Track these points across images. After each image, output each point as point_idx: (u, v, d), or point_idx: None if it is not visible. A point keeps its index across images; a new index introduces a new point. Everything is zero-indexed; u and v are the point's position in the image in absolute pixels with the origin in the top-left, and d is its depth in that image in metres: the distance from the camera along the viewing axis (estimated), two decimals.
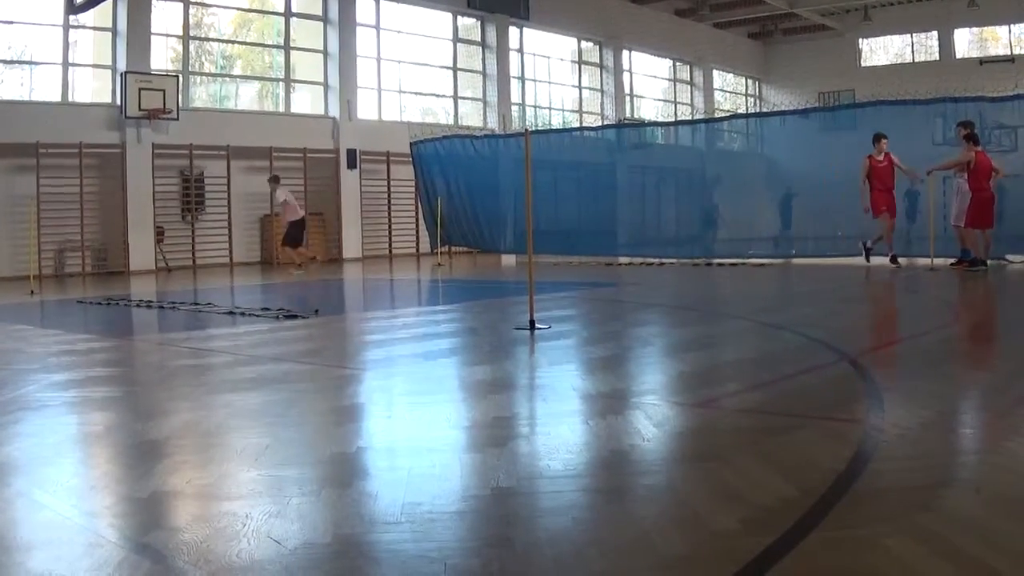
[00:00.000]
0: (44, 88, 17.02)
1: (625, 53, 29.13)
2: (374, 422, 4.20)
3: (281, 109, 20.70)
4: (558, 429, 3.70)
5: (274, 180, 16.10)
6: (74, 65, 17.36)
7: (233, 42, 20.77)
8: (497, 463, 3.19)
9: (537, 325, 6.83)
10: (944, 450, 3.35)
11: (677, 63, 31.91)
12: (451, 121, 23.67)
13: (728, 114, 25.96)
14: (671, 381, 4.99)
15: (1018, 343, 6.51)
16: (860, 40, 32.95)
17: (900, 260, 13.05)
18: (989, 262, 12.27)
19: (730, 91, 35.10)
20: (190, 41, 19.17)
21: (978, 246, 12.19)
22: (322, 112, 20.92)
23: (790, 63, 34.33)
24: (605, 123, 25.53)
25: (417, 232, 21.74)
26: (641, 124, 22.77)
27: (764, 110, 30.06)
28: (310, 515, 2.67)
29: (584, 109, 28.14)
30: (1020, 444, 3.35)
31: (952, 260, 12.54)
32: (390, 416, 4.36)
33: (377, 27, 22.01)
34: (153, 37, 17.76)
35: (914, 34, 32.15)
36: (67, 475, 3.21)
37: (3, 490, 2.98)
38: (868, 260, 13.30)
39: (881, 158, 13.07)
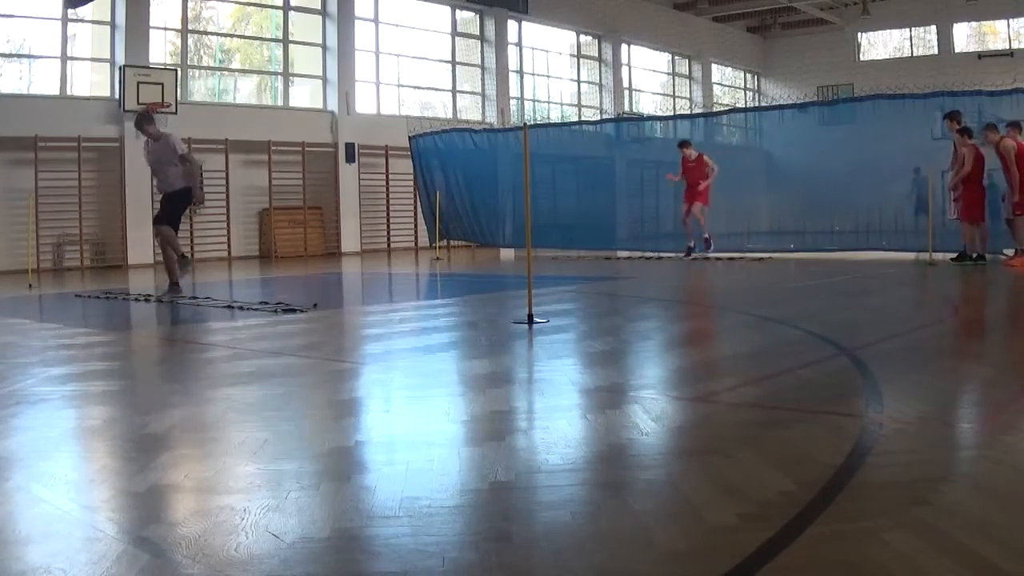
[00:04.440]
0: (42, 82, 16.99)
1: (624, 47, 29.09)
2: (372, 416, 4.19)
3: (280, 103, 20.66)
4: (556, 423, 3.70)
5: None
6: (72, 59, 17.32)
7: (232, 36, 20.73)
8: (495, 457, 3.19)
9: (535, 319, 6.84)
10: (942, 444, 3.35)
11: (676, 57, 31.87)
12: (450, 115, 23.66)
13: (727, 108, 25.95)
14: (669, 375, 5.00)
15: (1015, 337, 6.52)
16: (859, 34, 32.91)
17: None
18: (988, 256, 12.29)
19: (729, 85, 35.05)
20: (188, 35, 19.13)
21: (975, 241, 12.23)
22: (320, 106, 20.89)
23: (789, 57, 34.29)
24: (604, 117, 25.53)
25: (416, 226, 21.73)
26: (640, 118, 22.75)
27: (763, 104, 30.04)
28: (308, 509, 2.67)
29: (583, 103, 28.11)
30: (1018, 438, 3.36)
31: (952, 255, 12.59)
32: (388, 410, 4.36)
33: (376, 21, 21.97)
34: (152, 31, 17.71)
35: (913, 28, 32.12)
36: (65, 469, 3.21)
37: (1, 484, 2.98)
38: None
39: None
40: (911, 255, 13.44)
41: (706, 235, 14.97)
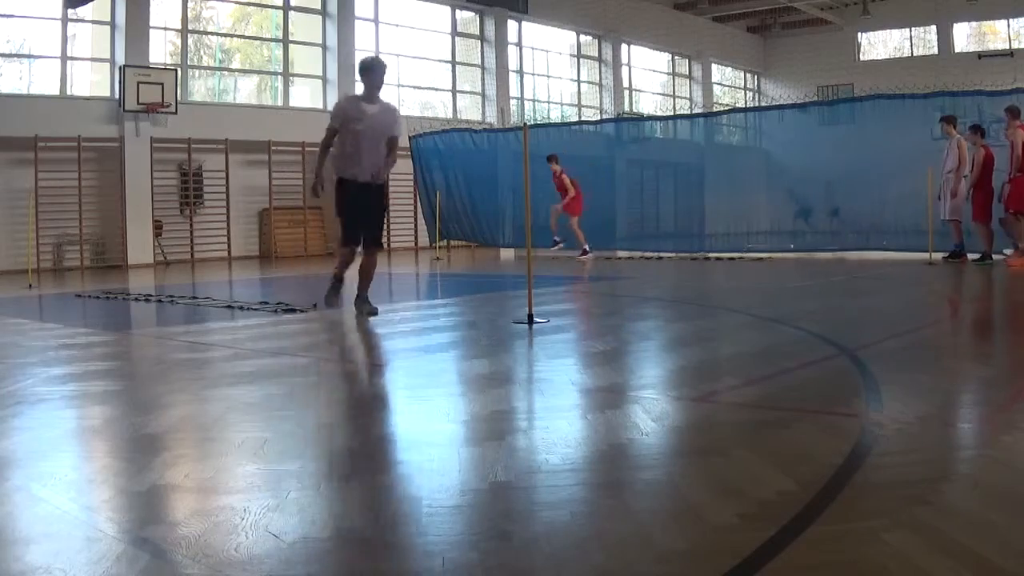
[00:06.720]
0: (43, 82, 17.00)
1: (624, 47, 29.09)
2: (373, 416, 4.19)
3: (280, 103, 20.66)
4: (556, 423, 3.69)
5: None
6: (72, 59, 17.33)
7: (232, 36, 20.73)
8: (495, 457, 3.19)
9: (535, 319, 6.83)
10: (942, 444, 3.35)
11: (676, 57, 31.88)
12: (450, 115, 23.65)
13: (727, 108, 25.95)
14: (669, 375, 4.99)
15: (1015, 337, 6.52)
16: (859, 34, 32.92)
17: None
18: (995, 256, 12.31)
19: (729, 85, 35.06)
20: (188, 35, 19.14)
21: (991, 240, 12.25)
22: (320, 106, 20.87)
23: (789, 57, 34.30)
24: (604, 117, 25.52)
25: (416, 226, 21.73)
26: (640, 118, 22.75)
27: (763, 104, 30.04)
28: (309, 509, 2.67)
29: (583, 103, 28.11)
30: (1018, 439, 3.35)
31: (944, 254, 12.63)
32: (388, 410, 4.36)
33: (376, 21, 21.98)
34: (152, 31, 17.73)
35: (913, 28, 32.13)
36: (65, 469, 3.21)
37: (1, 484, 2.98)
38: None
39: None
40: (905, 255, 13.41)
41: (585, 246, 15.69)
